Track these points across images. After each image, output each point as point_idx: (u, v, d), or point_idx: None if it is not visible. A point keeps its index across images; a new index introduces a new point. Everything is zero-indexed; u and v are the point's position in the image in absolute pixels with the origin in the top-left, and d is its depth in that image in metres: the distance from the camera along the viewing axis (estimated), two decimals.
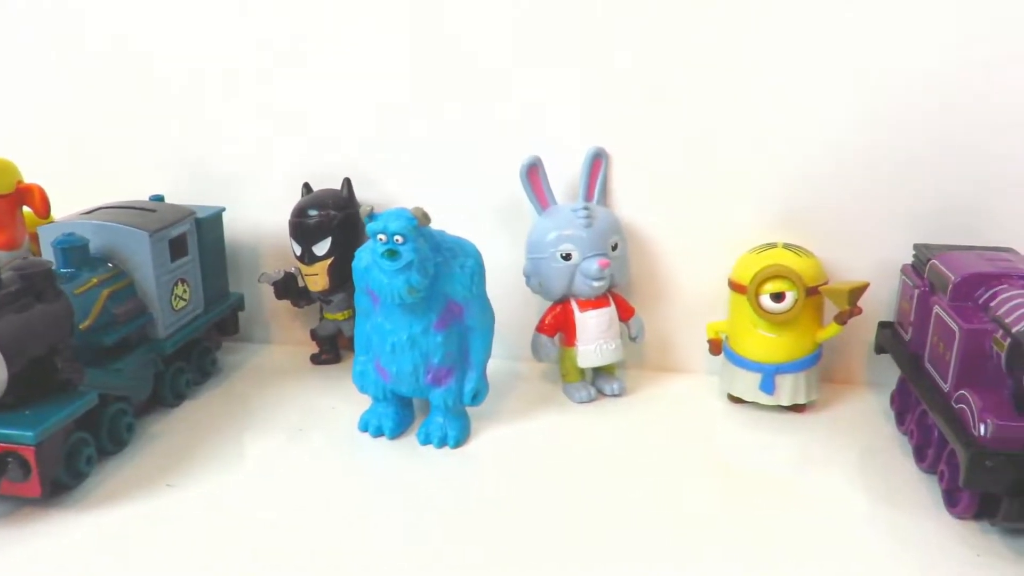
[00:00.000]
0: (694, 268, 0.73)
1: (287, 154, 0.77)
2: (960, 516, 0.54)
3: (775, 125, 0.69)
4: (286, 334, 0.82)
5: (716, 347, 0.70)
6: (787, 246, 0.67)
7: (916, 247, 0.66)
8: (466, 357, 0.63)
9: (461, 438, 0.63)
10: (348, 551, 0.51)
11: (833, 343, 0.72)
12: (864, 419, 0.68)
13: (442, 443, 0.63)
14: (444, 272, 0.60)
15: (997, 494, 0.51)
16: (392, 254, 0.57)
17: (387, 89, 0.74)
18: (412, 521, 0.55)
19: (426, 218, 0.57)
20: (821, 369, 0.71)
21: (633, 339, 0.72)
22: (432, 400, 0.63)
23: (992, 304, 0.55)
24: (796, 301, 0.64)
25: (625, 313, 0.72)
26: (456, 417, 0.64)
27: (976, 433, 0.51)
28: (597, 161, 0.71)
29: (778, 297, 0.64)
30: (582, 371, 0.71)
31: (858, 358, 0.73)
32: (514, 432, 0.66)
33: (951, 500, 0.55)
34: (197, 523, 0.54)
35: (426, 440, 0.63)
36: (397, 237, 0.57)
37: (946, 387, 0.56)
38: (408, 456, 0.63)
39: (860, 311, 0.65)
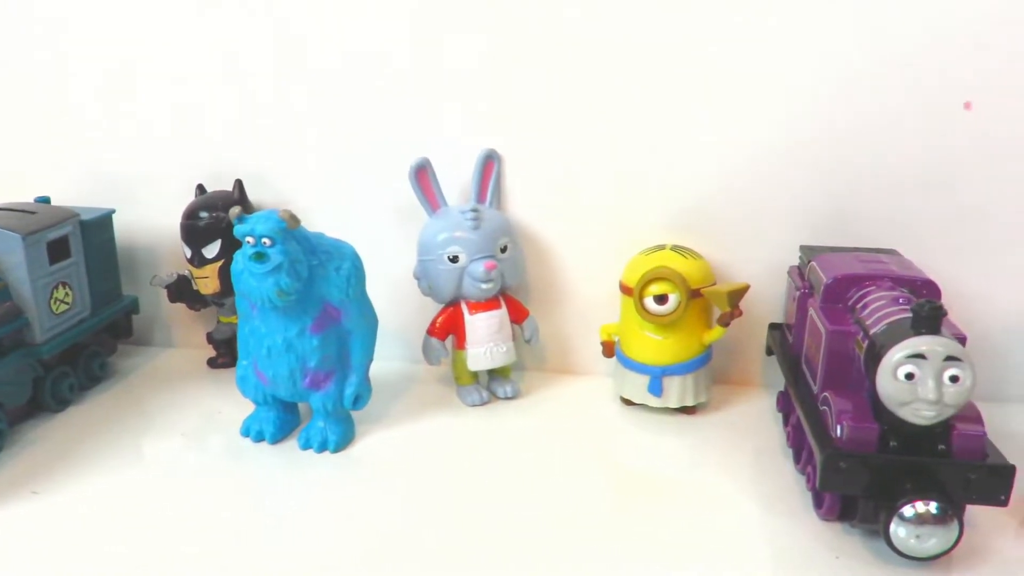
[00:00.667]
0: (590, 270, 0.73)
1: (184, 155, 0.76)
2: (825, 518, 0.54)
3: (670, 129, 0.69)
4: (187, 337, 0.81)
5: (608, 349, 0.70)
6: (676, 248, 0.67)
7: (802, 248, 0.67)
8: (346, 360, 0.63)
9: (342, 442, 0.63)
10: (215, 559, 0.50)
11: (729, 345, 0.72)
12: (755, 421, 0.68)
13: (322, 448, 0.62)
14: (320, 275, 0.60)
15: (853, 496, 0.50)
16: (260, 257, 0.56)
17: (284, 90, 0.73)
18: (283, 526, 0.54)
19: (294, 220, 0.57)
20: (715, 371, 0.71)
21: (527, 341, 0.72)
22: (312, 404, 0.62)
23: (858, 306, 0.55)
24: (679, 303, 0.64)
25: (519, 315, 0.71)
26: (337, 421, 0.63)
27: (833, 435, 0.51)
28: (489, 163, 0.70)
29: (661, 299, 0.64)
30: (475, 374, 0.71)
31: (754, 360, 0.74)
32: (401, 435, 0.66)
33: (817, 502, 0.55)
34: (57, 530, 0.53)
35: (306, 445, 0.63)
36: (265, 240, 0.56)
37: (815, 389, 0.56)
38: (288, 461, 0.62)
39: (740, 313, 0.65)
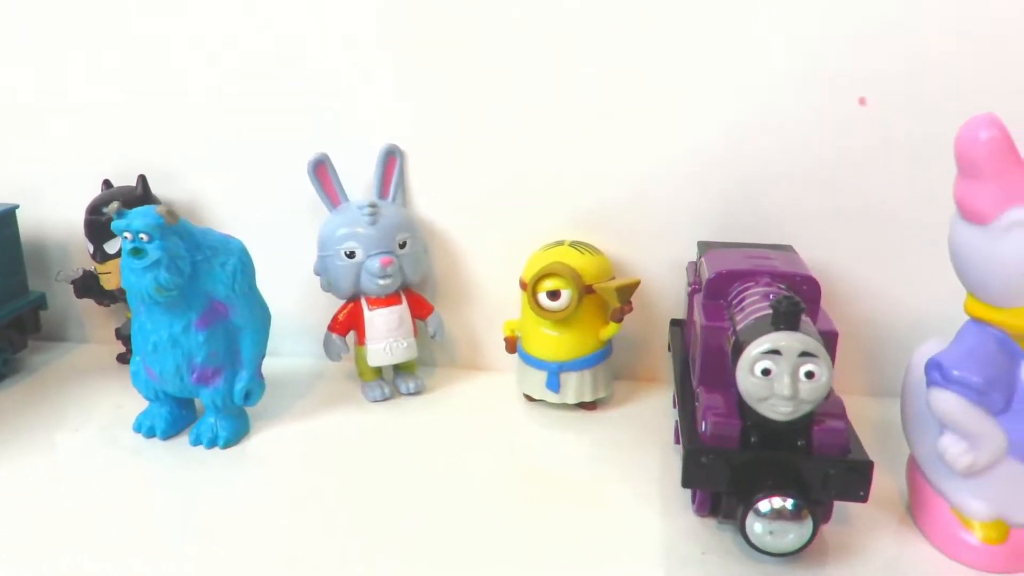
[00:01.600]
0: (497, 267, 0.73)
1: (93, 151, 0.76)
2: (698, 513, 0.54)
3: (575, 127, 0.69)
4: (99, 333, 0.81)
5: (511, 345, 0.70)
6: (574, 244, 0.67)
7: (699, 245, 0.66)
8: (237, 356, 0.62)
9: (232, 438, 0.63)
10: (97, 555, 0.50)
11: (634, 340, 0.73)
12: (654, 417, 0.68)
13: (212, 443, 0.62)
14: (205, 270, 0.59)
15: (715, 491, 0.51)
16: (137, 252, 0.56)
17: (191, 86, 0.73)
18: (169, 521, 0.54)
19: (172, 216, 0.57)
20: (619, 367, 0.71)
21: (432, 336, 0.72)
22: (203, 400, 0.62)
23: (735, 302, 0.55)
24: (571, 299, 0.64)
25: (422, 311, 0.71)
26: (228, 417, 0.63)
27: (700, 430, 0.51)
28: (391, 158, 0.70)
29: (554, 295, 0.64)
30: (378, 370, 0.71)
31: (658, 355, 0.73)
32: (300, 431, 0.66)
33: (693, 497, 0.55)
34: None
35: (196, 441, 0.63)
36: (142, 235, 0.56)
37: (694, 384, 0.56)
38: (181, 457, 0.62)
39: (630, 308, 0.65)
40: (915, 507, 0.54)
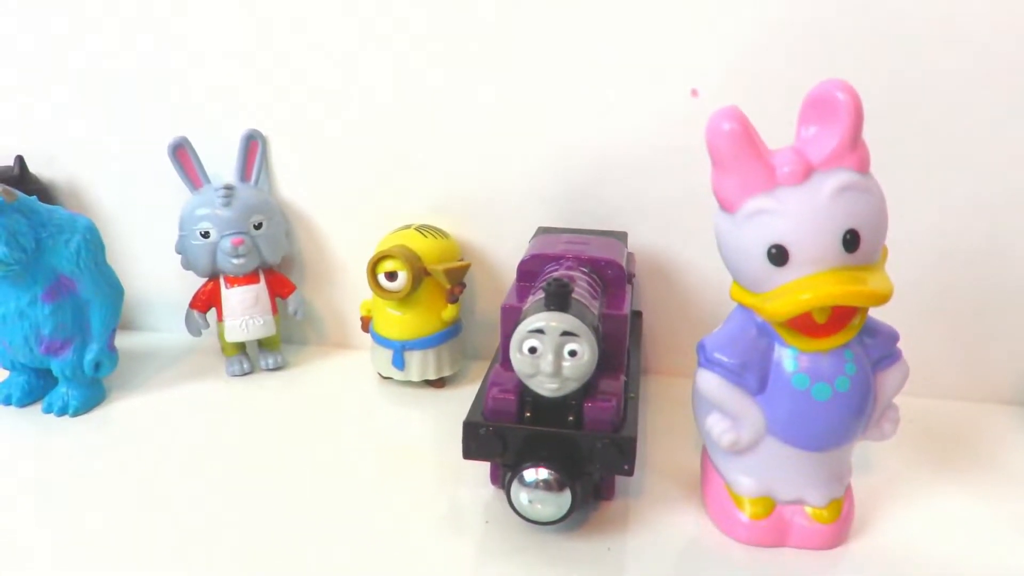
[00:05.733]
0: (360, 249, 0.75)
1: None
2: (494, 484, 0.57)
3: (430, 117, 0.71)
4: None
5: (365, 324, 0.73)
6: (420, 228, 0.70)
7: (538, 230, 0.69)
8: (87, 329, 0.66)
9: (83, 407, 0.66)
10: None
11: (487, 322, 0.75)
12: None
13: (63, 411, 0.66)
14: (50, 246, 0.63)
15: (494, 463, 0.53)
16: None
17: (71, 68, 0.76)
18: (21, 487, 0.57)
19: (10, 195, 0.60)
20: (468, 346, 0.74)
21: (293, 315, 0.75)
22: (53, 370, 0.66)
23: (539, 284, 0.57)
24: (407, 281, 0.66)
25: (283, 289, 0.74)
26: (80, 386, 0.66)
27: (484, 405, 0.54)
28: (253, 143, 0.73)
29: (391, 276, 0.67)
30: (240, 345, 0.74)
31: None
32: (155, 401, 0.69)
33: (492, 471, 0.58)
34: None
35: (48, 409, 0.66)
36: None
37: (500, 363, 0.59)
38: (35, 424, 0.65)
39: (461, 290, 0.67)
40: (702, 485, 0.56)
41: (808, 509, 0.52)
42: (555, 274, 0.57)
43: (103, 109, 0.76)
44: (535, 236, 0.65)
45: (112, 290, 0.66)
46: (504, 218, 0.73)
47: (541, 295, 0.52)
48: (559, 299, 0.50)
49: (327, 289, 0.78)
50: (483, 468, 0.58)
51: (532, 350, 0.50)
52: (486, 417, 0.53)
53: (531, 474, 0.50)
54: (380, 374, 0.72)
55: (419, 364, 0.69)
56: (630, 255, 0.69)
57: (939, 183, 0.65)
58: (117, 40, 0.74)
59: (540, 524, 0.51)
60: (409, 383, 0.71)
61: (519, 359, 0.50)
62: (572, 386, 0.50)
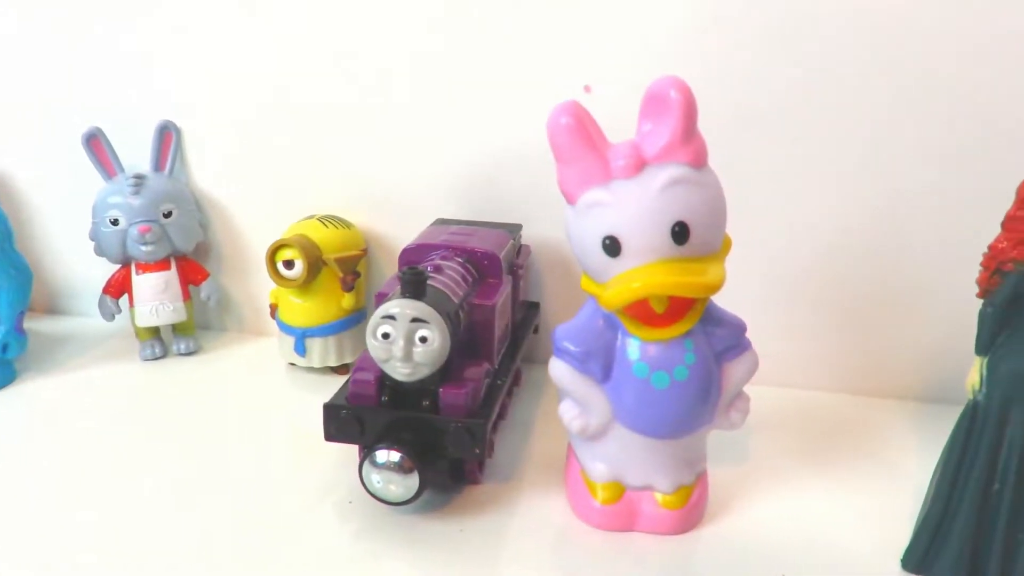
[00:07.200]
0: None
1: None
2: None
3: (338, 113, 0.73)
4: None
5: (273, 312, 0.74)
6: (323, 218, 0.72)
7: (435, 221, 0.70)
8: None
9: None
10: None
11: None
12: None
13: None
14: None
15: (352, 444, 0.55)
16: None
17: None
18: None
19: None
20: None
21: (206, 301, 0.77)
22: None
23: None
24: (304, 269, 0.68)
25: (197, 276, 0.76)
26: None
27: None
28: (167, 134, 0.75)
29: (289, 264, 0.68)
30: (154, 330, 0.76)
31: None
32: (66, 382, 0.71)
33: None
34: None
35: None
36: None
37: None
38: None
39: (352, 278, 0.69)
40: (564, 471, 0.58)
41: (657, 495, 0.53)
42: (428, 264, 0.59)
43: (28, 100, 0.78)
44: (428, 227, 0.67)
45: (19, 273, 0.69)
46: (410, 209, 0.74)
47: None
48: (413, 286, 0.52)
49: (244, 278, 0.80)
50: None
51: (385, 336, 0.51)
52: (348, 401, 0.54)
53: (383, 455, 0.51)
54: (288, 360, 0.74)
55: (320, 351, 0.71)
56: (523, 247, 0.71)
57: (832, 180, 0.66)
58: (35, 28, 0.76)
59: (391, 504, 0.52)
60: (312, 369, 0.73)
61: (374, 345, 0.52)
62: (424, 371, 0.52)
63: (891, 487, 0.58)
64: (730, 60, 0.65)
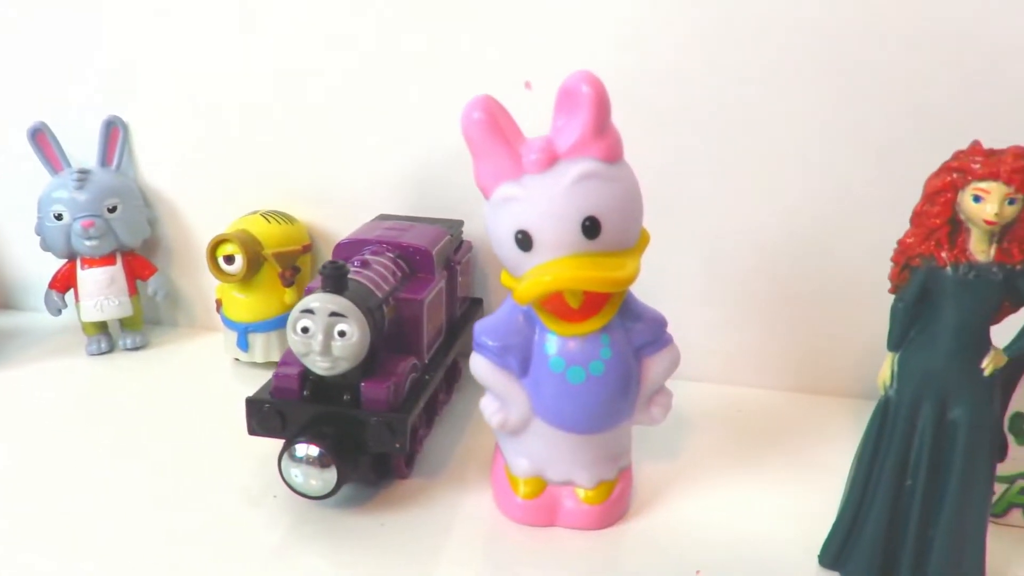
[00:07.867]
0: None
1: None
2: None
3: (284, 111, 0.74)
4: None
5: (218, 307, 0.75)
6: (266, 214, 0.72)
7: (378, 217, 0.70)
8: None
9: None
10: None
11: None
12: None
13: None
14: None
15: (274, 438, 0.55)
16: None
17: None
18: None
19: None
20: None
21: (153, 296, 0.77)
22: None
23: None
24: (243, 264, 0.68)
25: (144, 271, 0.76)
26: None
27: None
28: (114, 129, 0.75)
29: (230, 260, 0.69)
30: (101, 325, 0.76)
31: None
32: (9, 377, 0.71)
33: None
34: None
35: None
36: None
37: None
38: None
39: (291, 273, 0.69)
40: (492, 467, 0.58)
41: (578, 490, 0.53)
42: (357, 258, 0.59)
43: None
44: (368, 222, 0.67)
45: None
46: (354, 205, 0.74)
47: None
48: (334, 281, 0.52)
49: (193, 273, 0.80)
50: None
51: (304, 330, 0.51)
52: (272, 395, 0.54)
53: (301, 449, 0.51)
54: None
55: (263, 346, 0.71)
56: (464, 243, 0.71)
57: (773, 179, 0.66)
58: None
59: (311, 498, 0.52)
60: (257, 365, 0.73)
61: (293, 339, 0.52)
62: (344, 365, 0.52)
63: (820, 484, 0.58)
64: (672, 58, 0.65)
